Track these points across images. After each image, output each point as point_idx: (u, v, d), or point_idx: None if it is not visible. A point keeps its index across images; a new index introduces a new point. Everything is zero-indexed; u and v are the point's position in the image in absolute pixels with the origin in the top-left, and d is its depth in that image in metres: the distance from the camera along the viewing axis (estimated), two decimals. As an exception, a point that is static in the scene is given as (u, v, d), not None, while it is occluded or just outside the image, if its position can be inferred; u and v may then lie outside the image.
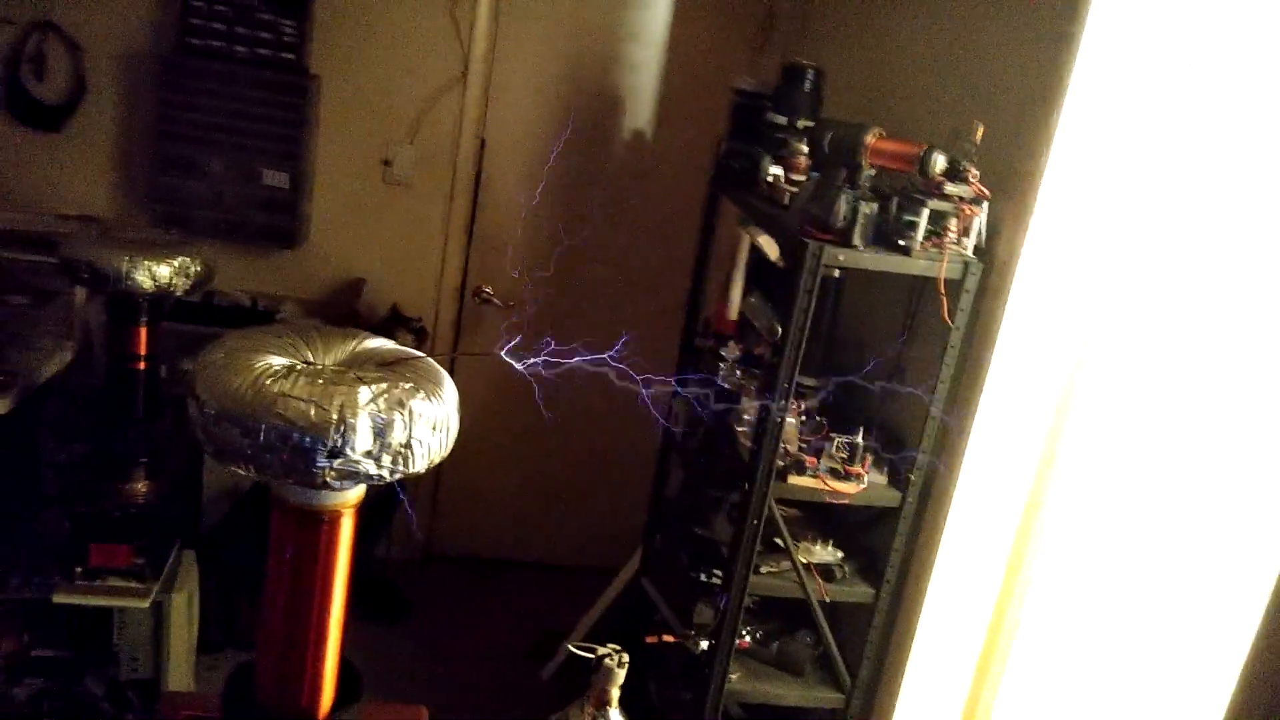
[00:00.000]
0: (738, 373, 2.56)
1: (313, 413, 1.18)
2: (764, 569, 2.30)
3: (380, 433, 1.21)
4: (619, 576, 3.45)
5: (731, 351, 2.62)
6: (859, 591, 2.32)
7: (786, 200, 2.36)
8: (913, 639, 2.26)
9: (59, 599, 2.45)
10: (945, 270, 2.07)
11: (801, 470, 2.23)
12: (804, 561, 2.29)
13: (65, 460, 2.83)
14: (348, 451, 1.19)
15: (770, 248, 2.42)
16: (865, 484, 2.24)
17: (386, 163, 3.58)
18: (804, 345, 2.12)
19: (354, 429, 1.19)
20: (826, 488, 2.22)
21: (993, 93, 2.25)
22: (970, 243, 2.10)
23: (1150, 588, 1.85)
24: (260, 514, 3.15)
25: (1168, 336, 1.90)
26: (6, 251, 3.08)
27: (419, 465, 1.25)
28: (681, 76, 3.67)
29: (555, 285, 3.48)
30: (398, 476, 1.25)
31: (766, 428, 2.15)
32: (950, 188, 2.04)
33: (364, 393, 1.21)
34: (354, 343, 1.38)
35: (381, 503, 3.49)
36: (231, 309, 3.39)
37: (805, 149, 2.36)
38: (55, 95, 3.38)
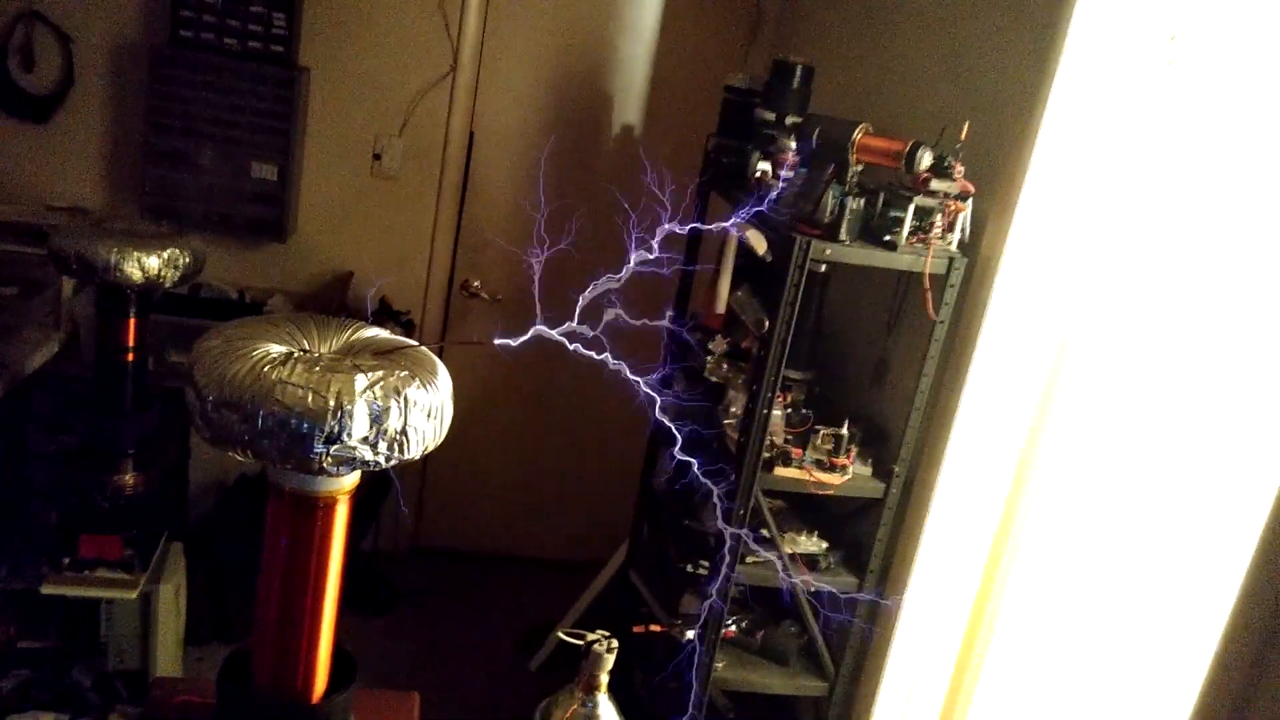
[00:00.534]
0: (724, 366, 2.58)
1: (310, 399, 1.20)
2: (750, 559, 2.33)
3: (376, 419, 1.23)
4: (606, 568, 3.48)
5: (719, 345, 2.64)
6: (843, 581, 2.36)
7: (774, 195, 2.38)
8: (896, 628, 2.30)
9: (47, 590, 2.44)
10: (930, 265, 2.10)
11: (788, 462, 2.26)
12: (789, 551, 2.32)
13: (54, 451, 2.83)
14: (344, 437, 1.21)
15: (758, 243, 2.44)
16: (850, 475, 2.28)
17: (376, 156, 3.59)
18: (790, 339, 2.15)
19: (351, 415, 1.21)
20: (812, 479, 2.25)
21: (978, 90, 2.29)
22: (955, 238, 2.13)
23: (1129, 577, 1.89)
24: (248, 506, 3.18)
25: (1149, 330, 1.94)
26: (-6, 242, 3.08)
27: (414, 451, 1.28)
28: (671, 72, 3.69)
29: (543, 278, 3.48)
30: (393, 463, 1.27)
31: (753, 420, 2.18)
32: (936, 184, 2.06)
33: (360, 380, 1.23)
34: (350, 332, 1.40)
35: (369, 496, 3.50)
36: (219, 301, 3.39)
37: (794, 145, 2.39)
38: (43, 86, 3.37)
